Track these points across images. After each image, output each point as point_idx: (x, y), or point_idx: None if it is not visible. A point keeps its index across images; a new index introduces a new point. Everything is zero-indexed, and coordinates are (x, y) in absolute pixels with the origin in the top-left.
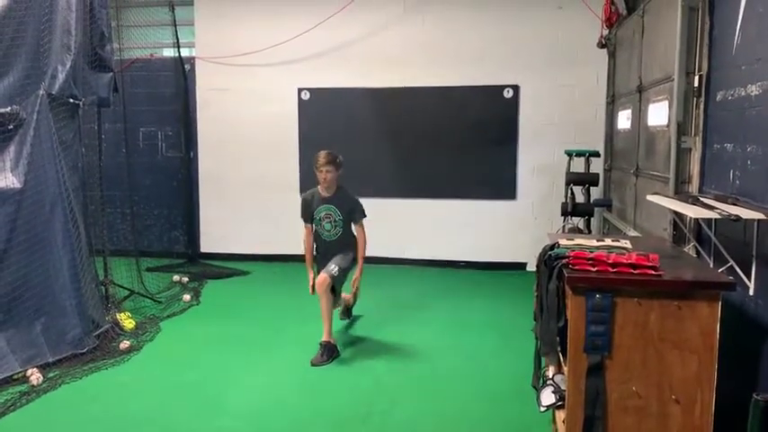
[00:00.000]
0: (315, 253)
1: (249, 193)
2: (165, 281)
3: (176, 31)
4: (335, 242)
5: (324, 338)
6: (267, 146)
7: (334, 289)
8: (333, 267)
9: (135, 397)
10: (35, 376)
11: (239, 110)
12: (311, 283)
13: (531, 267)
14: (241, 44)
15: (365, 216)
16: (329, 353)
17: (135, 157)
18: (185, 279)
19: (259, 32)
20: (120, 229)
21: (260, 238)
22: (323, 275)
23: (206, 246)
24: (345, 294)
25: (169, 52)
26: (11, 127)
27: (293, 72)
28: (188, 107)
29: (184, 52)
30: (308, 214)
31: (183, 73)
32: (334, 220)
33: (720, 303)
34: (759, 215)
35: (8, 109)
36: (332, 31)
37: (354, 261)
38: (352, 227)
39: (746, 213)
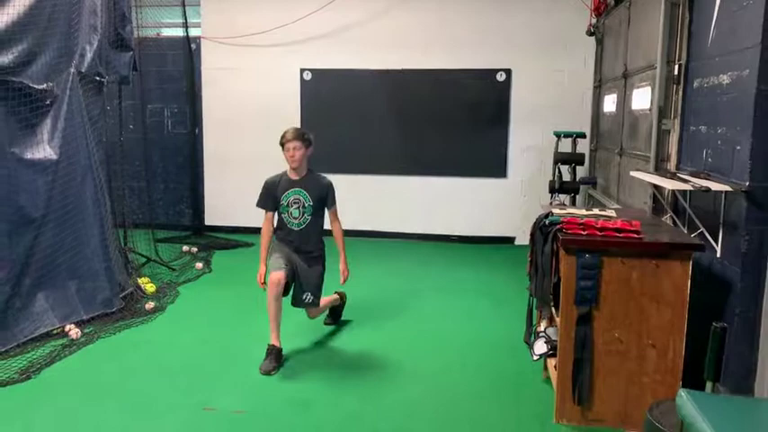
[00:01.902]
0: (275, 241)
1: (251, 168)
2: (176, 251)
3: (185, 12)
4: (302, 232)
5: (271, 342)
6: (270, 124)
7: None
8: (307, 297)
9: (168, 350)
10: (74, 331)
11: (243, 89)
12: (261, 278)
13: (520, 241)
14: (245, 25)
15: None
16: (277, 358)
17: (142, 133)
18: (194, 249)
19: (263, 14)
20: (128, 202)
21: (261, 211)
22: (279, 274)
23: (210, 219)
24: (311, 310)
25: (172, 32)
26: (48, 102)
27: (296, 53)
28: (194, 85)
29: (190, 32)
30: (269, 199)
31: (189, 52)
32: (303, 206)
33: (691, 263)
34: (726, 187)
35: (44, 86)
36: (333, 15)
37: (323, 267)
38: (325, 213)
39: (715, 186)
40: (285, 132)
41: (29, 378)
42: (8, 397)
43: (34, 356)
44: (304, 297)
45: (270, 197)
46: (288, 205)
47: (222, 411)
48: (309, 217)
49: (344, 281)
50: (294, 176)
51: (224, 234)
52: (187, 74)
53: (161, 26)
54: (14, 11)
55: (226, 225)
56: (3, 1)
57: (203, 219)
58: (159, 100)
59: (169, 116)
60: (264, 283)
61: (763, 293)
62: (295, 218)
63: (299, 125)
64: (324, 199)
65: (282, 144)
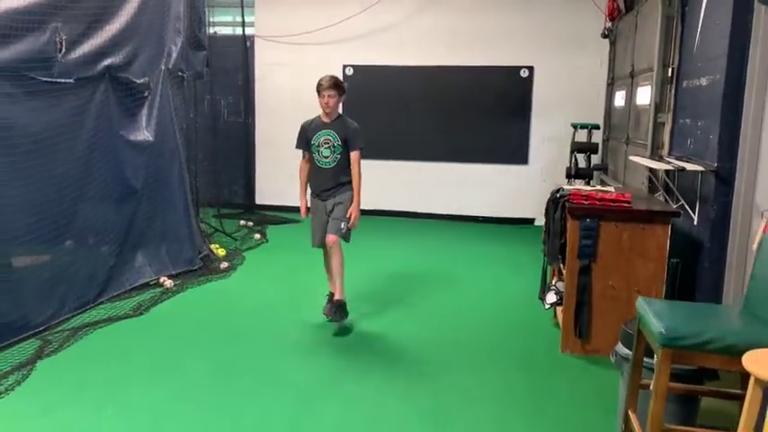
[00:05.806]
0: (310, 192)
1: (297, 153)
2: (234, 224)
3: (243, 13)
4: (332, 170)
5: (337, 296)
6: (315, 114)
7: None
8: (341, 226)
9: (247, 297)
10: (168, 282)
11: (291, 82)
12: (303, 209)
13: (539, 222)
14: (295, 25)
15: (363, 146)
16: (341, 312)
17: (201, 121)
18: (250, 223)
19: (310, 15)
20: (192, 182)
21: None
22: (331, 236)
23: (261, 198)
24: (330, 235)
25: (227, 30)
26: (145, 94)
27: (339, 51)
28: (248, 79)
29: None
30: (304, 141)
31: (245, 49)
32: (333, 146)
33: (670, 227)
34: (699, 168)
35: (143, 80)
36: (373, 16)
37: (352, 199)
38: (350, 155)
39: (690, 166)
40: (321, 80)
41: (141, 314)
42: (128, 328)
43: (140, 300)
44: (340, 227)
45: (303, 138)
46: (319, 145)
47: (295, 339)
48: (338, 156)
49: (352, 224)
50: (326, 119)
51: (272, 212)
52: (243, 69)
53: (219, 25)
54: (123, 19)
55: (274, 204)
56: (114, 13)
57: (254, 198)
58: (217, 91)
59: (225, 106)
60: (307, 210)
61: (726, 252)
62: (325, 157)
63: None
64: (351, 139)
65: (319, 91)
